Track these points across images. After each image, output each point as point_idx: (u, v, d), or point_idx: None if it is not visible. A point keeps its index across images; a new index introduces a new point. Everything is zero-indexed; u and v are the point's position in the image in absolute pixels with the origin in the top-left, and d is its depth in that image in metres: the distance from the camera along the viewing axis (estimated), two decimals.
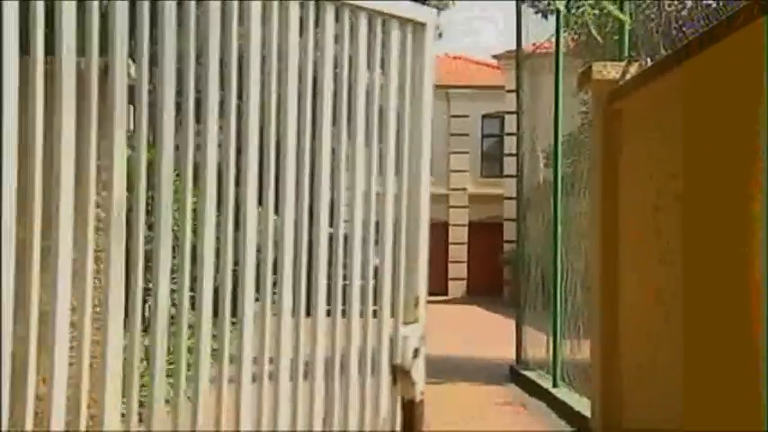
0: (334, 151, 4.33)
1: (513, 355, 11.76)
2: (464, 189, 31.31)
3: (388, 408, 4.42)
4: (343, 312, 4.29)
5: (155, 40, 3.65)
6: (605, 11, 8.02)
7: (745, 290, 4.80)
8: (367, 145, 4.48)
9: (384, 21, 4.56)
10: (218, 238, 3.83)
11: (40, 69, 3.27)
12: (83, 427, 3.37)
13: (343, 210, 4.32)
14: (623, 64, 7.87)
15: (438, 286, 26.76)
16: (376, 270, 4.46)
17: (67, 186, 3.31)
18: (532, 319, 11.34)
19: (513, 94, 13.33)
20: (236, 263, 3.88)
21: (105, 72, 3.44)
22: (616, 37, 8.22)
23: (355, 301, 4.37)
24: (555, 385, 9.46)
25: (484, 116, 27.56)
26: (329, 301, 4.29)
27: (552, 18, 10.70)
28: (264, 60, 4.06)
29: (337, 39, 4.47)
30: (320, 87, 4.29)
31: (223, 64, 3.88)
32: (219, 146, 3.76)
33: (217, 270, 3.79)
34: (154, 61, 3.67)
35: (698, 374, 5.18)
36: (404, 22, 4.59)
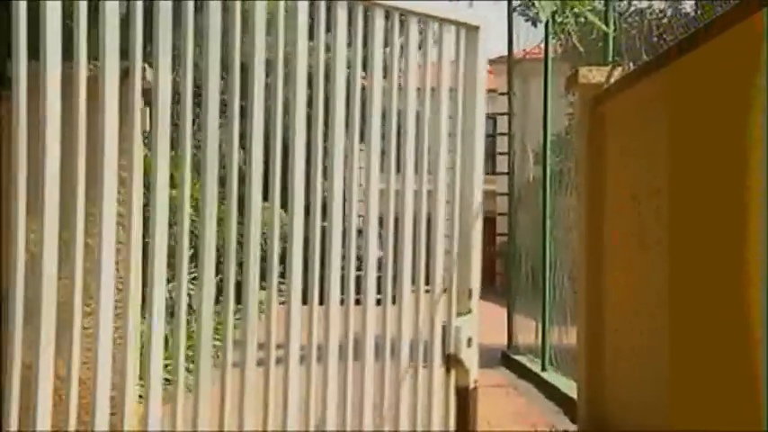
0: (383, 152, 4.21)
1: (505, 341, 11.73)
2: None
3: (442, 394, 4.32)
4: (393, 299, 4.18)
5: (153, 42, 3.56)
6: (589, 20, 8.33)
7: (720, 274, 4.86)
8: (417, 145, 4.32)
9: (437, 24, 4.35)
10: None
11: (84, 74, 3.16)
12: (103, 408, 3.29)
13: (392, 206, 4.12)
14: (607, 68, 7.95)
15: None
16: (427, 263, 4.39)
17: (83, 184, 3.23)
18: (523, 307, 11.32)
19: (505, 97, 13.22)
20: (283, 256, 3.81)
21: (125, 76, 3.33)
22: (601, 43, 8.21)
23: (407, 291, 4.21)
24: (543, 369, 9.49)
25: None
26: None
27: (541, 26, 10.69)
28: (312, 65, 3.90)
29: (387, 41, 4.32)
30: (369, 89, 4.14)
31: (268, 70, 3.67)
32: (242, 147, 3.64)
33: (264, 260, 3.65)
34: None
35: (675, 357, 5.17)
36: (457, 25, 4.40)
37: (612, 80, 7.68)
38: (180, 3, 3.43)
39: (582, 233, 7.66)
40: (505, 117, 13.62)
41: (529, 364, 10.02)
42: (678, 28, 8.14)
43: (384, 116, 4.22)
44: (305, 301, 3.90)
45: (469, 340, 4.35)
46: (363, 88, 4.23)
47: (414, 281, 4.31)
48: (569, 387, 6.42)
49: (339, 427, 3.99)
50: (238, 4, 3.70)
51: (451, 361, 4.34)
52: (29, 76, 3.05)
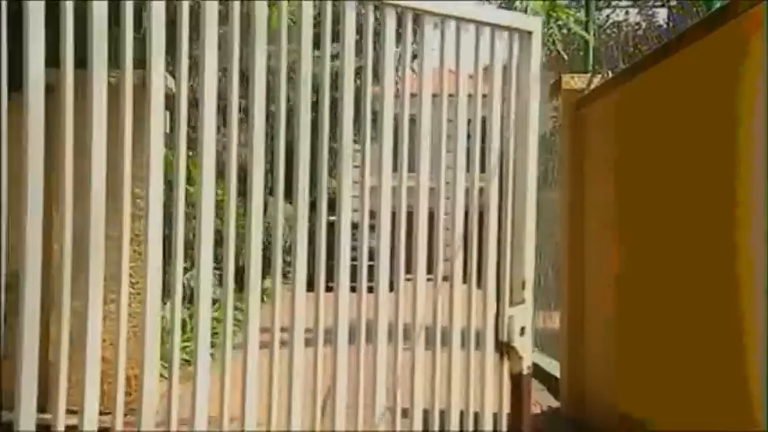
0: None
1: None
2: None
3: (495, 379, 4.25)
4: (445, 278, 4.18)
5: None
6: (573, 31, 8.40)
7: (685, 264, 5.02)
8: (468, 145, 4.20)
9: (491, 30, 4.25)
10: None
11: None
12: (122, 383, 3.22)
13: (442, 203, 4.05)
14: (588, 75, 7.99)
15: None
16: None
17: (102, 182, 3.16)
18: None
19: None
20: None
21: (143, 84, 3.29)
22: (582, 52, 8.22)
23: (458, 282, 4.14)
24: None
25: (470, 120, 28.61)
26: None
27: None
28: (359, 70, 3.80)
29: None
30: (419, 94, 4.08)
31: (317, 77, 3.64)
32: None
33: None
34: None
35: (631, 340, 5.43)
36: (510, 30, 4.27)
37: (592, 86, 7.82)
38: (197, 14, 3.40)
39: (564, 227, 7.66)
40: None
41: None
42: (652, 39, 8.26)
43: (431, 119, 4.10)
44: (353, 289, 3.81)
45: (522, 329, 4.23)
46: (413, 95, 4.13)
47: (465, 272, 4.24)
48: (553, 367, 6.41)
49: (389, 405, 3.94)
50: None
51: (504, 348, 4.24)
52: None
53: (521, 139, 4.37)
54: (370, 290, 3.89)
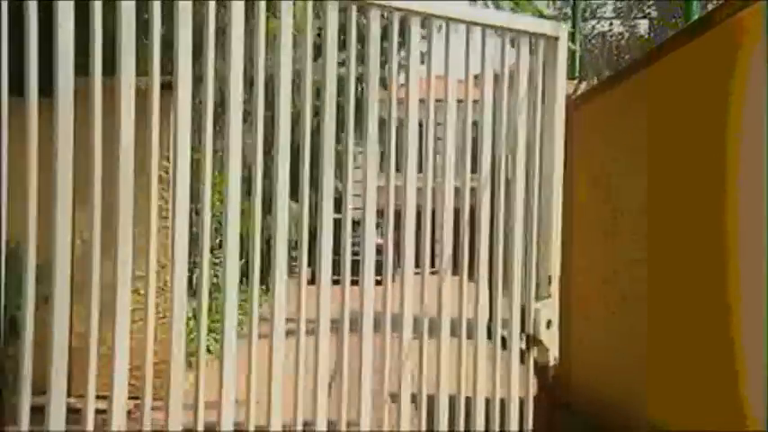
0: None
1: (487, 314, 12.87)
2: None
3: (522, 370, 4.28)
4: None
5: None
6: None
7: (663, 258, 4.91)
8: (493, 148, 4.23)
9: (514, 36, 4.25)
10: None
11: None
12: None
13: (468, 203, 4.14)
14: (575, 82, 8.35)
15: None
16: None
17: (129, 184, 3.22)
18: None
19: None
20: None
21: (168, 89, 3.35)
22: (569, 60, 9.19)
23: (483, 277, 4.19)
24: (519, 337, 10.45)
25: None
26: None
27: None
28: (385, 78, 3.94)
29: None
30: (444, 99, 4.07)
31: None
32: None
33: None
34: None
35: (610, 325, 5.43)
36: (536, 36, 4.29)
37: (578, 92, 8.10)
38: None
39: None
40: None
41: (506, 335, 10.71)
42: (635, 48, 8.55)
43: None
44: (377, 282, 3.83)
45: (549, 322, 4.27)
46: (439, 100, 4.09)
47: (491, 268, 4.24)
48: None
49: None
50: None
51: (530, 340, 4.28)
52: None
53: (547, 139, 4.36)
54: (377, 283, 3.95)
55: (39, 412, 3.04)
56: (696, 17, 5.96)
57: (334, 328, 3.74)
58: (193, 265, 3.61)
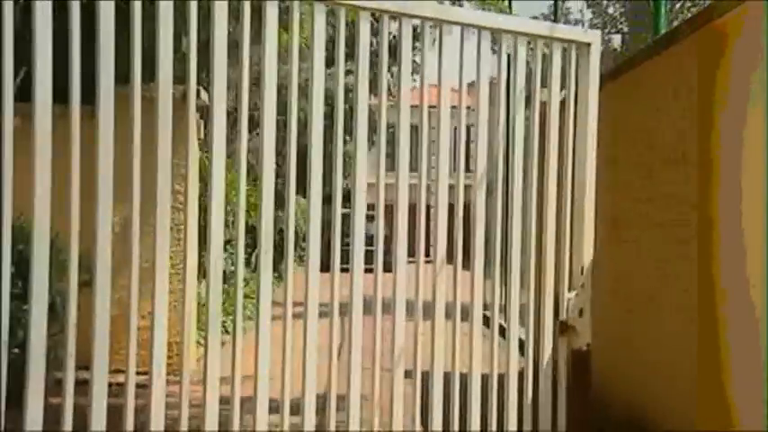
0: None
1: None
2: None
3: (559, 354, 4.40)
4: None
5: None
6: None
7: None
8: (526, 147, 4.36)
9: (546, 43, 4.36)
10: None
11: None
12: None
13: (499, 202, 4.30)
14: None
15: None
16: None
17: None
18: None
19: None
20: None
21: (182, 98, 3.48)
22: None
23: (516, 268, 4.37)
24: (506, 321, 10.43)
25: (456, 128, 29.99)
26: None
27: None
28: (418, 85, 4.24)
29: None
30: (475, 105, 4.21)
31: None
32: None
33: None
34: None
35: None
36: (569, 42, 4.35)
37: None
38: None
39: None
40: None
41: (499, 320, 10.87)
42: (607, 61, 8.43)
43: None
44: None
45: (581, 311, 4.35)
46: (469, 107, 4.27)
47: (522, 259, 4.37)
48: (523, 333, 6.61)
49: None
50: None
51: (564, 327, 4.38)
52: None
53: (580, 140, 4.39)
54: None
55: (80, 385, 3.18)
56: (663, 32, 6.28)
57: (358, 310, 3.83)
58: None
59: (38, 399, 3.08)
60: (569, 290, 4.40)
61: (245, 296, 3.77)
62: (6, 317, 2.97)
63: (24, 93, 3.11)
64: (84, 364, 3.18)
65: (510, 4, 9.37)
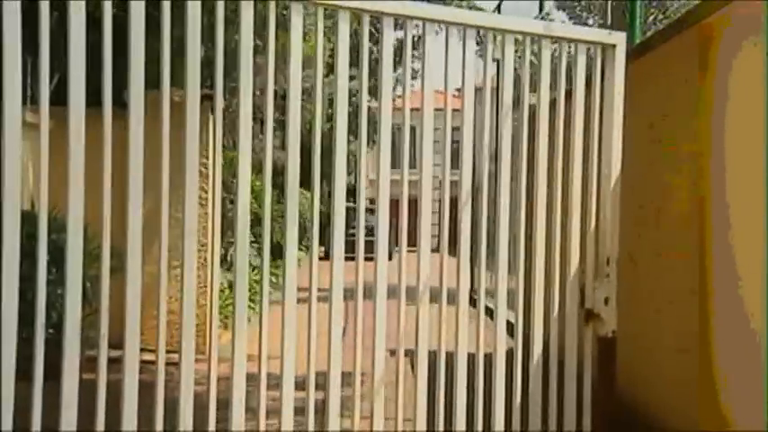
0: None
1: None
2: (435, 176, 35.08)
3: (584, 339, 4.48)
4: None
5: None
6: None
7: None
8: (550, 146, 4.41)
9: (571, 45, 4.39)
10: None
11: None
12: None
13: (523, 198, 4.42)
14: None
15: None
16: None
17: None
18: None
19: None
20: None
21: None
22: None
23: (540, 258, 4.46)
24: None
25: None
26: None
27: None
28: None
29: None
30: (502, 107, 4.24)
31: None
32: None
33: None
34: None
35: None
36: (594, 44, 4.39)
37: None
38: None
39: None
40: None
41: (488, 303, 10.70)
42: None
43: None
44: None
45: (606, 299, 4.41)
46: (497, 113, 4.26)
47: (548, 252, 4.45)
48: (511, 316, 6.60)
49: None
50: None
51: (589, 315, 4.43)
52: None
53: (605, 138, 4.45)
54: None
55: (112, 362, 3.34)
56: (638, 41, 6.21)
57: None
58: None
59: (73, 375, 3.17)
60: (595, 280, 4.44)
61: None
62: (43, 301, 3.09)
63: (59, 96, 3.24)
64: (114, 343, 3.32)
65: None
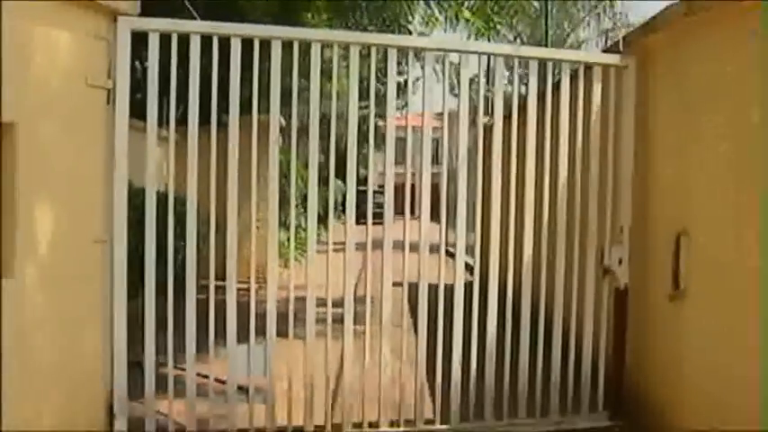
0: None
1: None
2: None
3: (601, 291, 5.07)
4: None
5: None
6: None
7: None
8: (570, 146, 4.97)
9: (587, 67, 5.04)
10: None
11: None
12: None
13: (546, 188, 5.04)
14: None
15: None
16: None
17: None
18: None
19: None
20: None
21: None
22: None
23: (561, 232, 5.01)
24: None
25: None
26: None
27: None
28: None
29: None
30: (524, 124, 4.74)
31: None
32: None
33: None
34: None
35: None
36: (607, 66, 5.05)
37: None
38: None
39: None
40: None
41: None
42: None
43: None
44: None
45: (620, 260, 5.11)
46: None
47: (568, 223, 4.98)
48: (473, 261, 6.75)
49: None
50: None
51: (606, 271, 5.13)
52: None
53: (625, 126, 5.14)
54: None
55: (218, 289, 4.36)
56: None
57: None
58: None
59: (192, 296, 4.24)
60: (611, 244, 5.04)
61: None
62: (171, 249, 4.28)
63: (181, 119, 4.26)
64: (219, 276, 4.32)
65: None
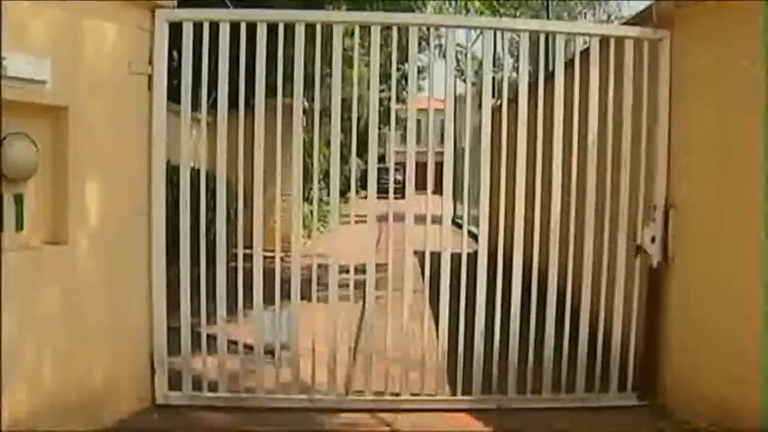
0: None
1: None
2: None
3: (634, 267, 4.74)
4: None
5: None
6: None
7: None
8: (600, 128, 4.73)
9: (617, 41, 4.69)
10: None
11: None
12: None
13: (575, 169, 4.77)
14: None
15: None
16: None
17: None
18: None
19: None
20: None
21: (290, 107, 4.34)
22: None
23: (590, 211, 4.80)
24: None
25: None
26: None
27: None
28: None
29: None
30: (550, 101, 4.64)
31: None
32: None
33: None
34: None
35: None
36: (641, 40, 4.71)
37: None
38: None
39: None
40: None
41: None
42: None
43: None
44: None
45: (653, 238, 4.77)
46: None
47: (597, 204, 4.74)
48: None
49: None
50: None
51: (639, 250, 4.87)
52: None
53: (661, 104, 4.91)
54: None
55: (246, 257, 4.55)
56: None
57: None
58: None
59: (223, 264, 4.39)
60: (645, 223, 4.74)
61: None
62: (204, 221, 4.39)
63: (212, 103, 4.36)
64: (246, 246, 4.45)
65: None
